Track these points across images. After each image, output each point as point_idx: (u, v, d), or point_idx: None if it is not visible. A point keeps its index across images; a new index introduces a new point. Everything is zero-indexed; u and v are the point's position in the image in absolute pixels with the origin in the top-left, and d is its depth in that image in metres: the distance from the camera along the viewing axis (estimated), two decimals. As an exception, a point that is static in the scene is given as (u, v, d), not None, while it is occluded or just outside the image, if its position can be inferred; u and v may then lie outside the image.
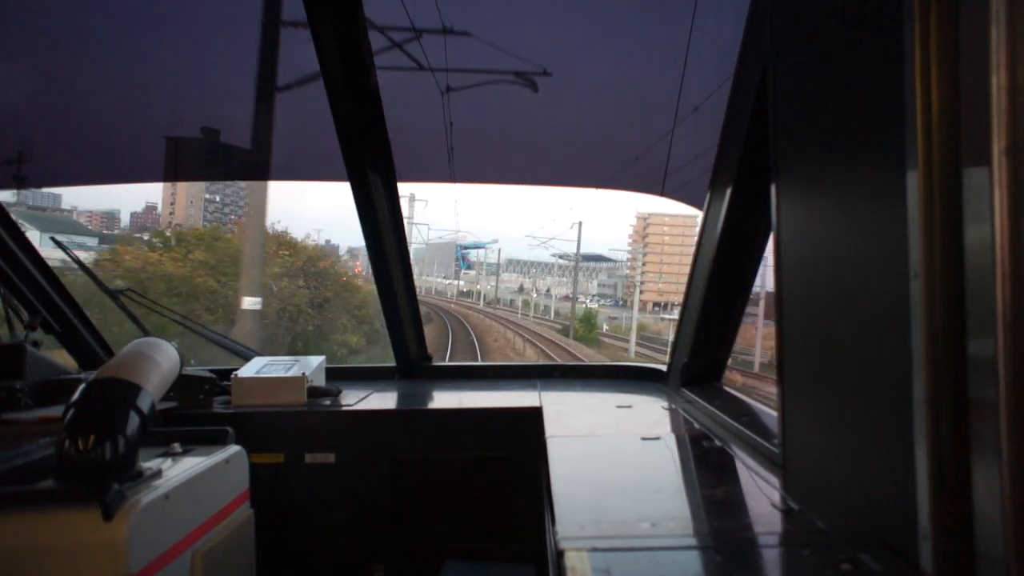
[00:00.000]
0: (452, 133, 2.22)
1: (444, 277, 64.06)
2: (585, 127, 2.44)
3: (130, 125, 2.61)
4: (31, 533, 1.11)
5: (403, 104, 1.98)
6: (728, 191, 1.64)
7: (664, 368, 2.29)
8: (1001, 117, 0.58)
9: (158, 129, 2.70)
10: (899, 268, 0.73)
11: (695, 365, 2.00)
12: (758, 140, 1.43)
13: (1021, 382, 0.57)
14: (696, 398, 1.82)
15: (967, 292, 0.64)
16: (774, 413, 1.33)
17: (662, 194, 2.41)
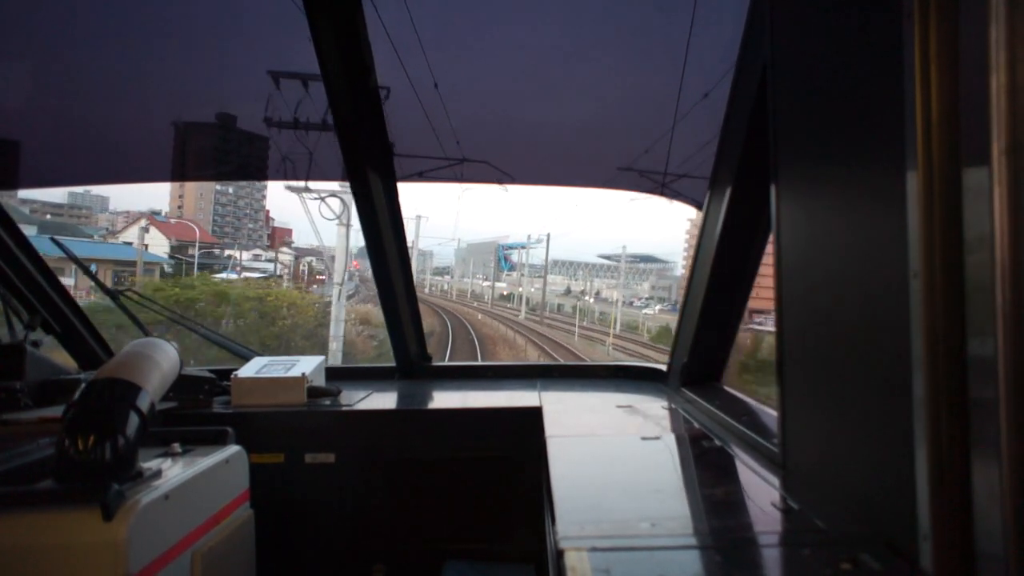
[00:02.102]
0: (451, 133, 2.22)
1: (484, 279, 59.98)
2: (585, 127, 2.44)
3: (133, 123, 2.61)
4: (31, 533, 1.11)
5: (402, 104, 1.98)
6: (728, 190, 1.64)
7: (664, 368, 2.29)
8: (1000, 116, 0.58)
9: (161, 128, 2.70)
10: (899, 267, 0.73)
11: (695, 365, 2.00)
12: (758, 139, 1.43)
13: (1020, 381, 0.57)
14: (696, 398, 1.82)
15: (967, 291, 0.64)
16: (774, 413, 1.33)
17: (662, 194, 2.41)
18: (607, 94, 2.24)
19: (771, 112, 1.18)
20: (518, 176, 2.76)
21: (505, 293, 50.10)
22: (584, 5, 1.88)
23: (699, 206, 1.90)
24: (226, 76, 2.37)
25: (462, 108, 2.15)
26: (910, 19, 0.68)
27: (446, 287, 54.52)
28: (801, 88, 1.07)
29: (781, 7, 1.15)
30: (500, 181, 2.68)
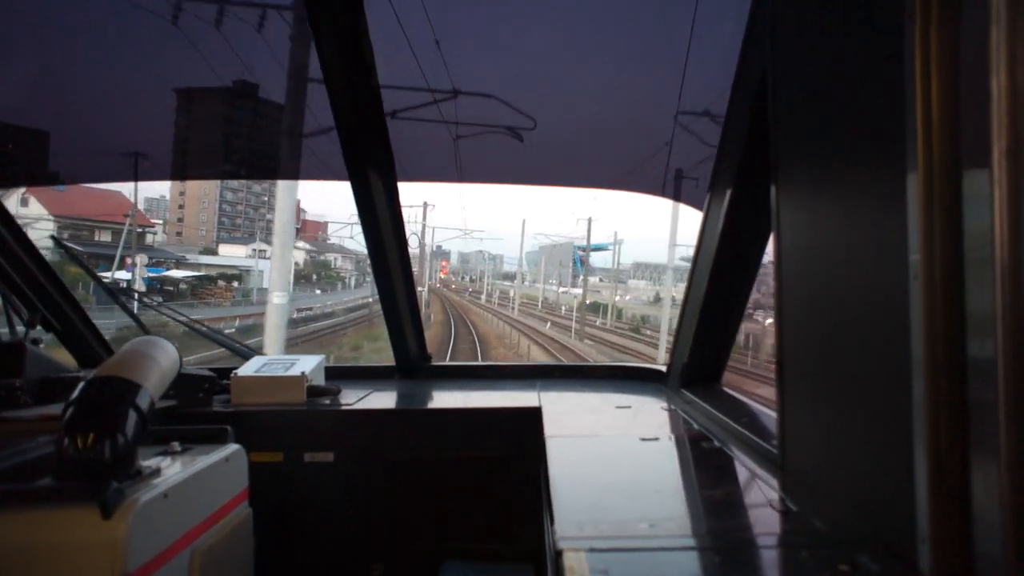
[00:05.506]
0: (456, 132, 2.22)
1: (559, 284, 53.10)
2: (587, 128, 2.44)
3: (132, 123, 2.60)
4: (29, 531, 1.11)
5: (405, 104, 1.98)
6: (728, 192, 1.64)
7: (664, 369, 2.29)
8: (1001, 118, 0.58)
9: (161, 128, 2.69)
10: (899, 269, 0.72)
11: (695, 366, 2.00)
12: (758, 140, 1.43)
13: (1020, 383, 0.57)
14: (695, 399, 1.82)
15: (966, 293, 0.64)
16: (773, 414, 1.33)
17: (663, 195, 2.41)
18: (608, 96, 2.25)
19: (771, 113, 1.18)
20: (518, 176, 2.76)
21: (588, 301, 36.00)
22: (586, 8, 1.89)
23: (699, 206, 1.90)
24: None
25: (463, 107, 2.15)
26: (911, 21, 0.68)
27: (511, 293, 48.40)
28: (802, 90, 1.07)
29: (782, 8, 1.15)
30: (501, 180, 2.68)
